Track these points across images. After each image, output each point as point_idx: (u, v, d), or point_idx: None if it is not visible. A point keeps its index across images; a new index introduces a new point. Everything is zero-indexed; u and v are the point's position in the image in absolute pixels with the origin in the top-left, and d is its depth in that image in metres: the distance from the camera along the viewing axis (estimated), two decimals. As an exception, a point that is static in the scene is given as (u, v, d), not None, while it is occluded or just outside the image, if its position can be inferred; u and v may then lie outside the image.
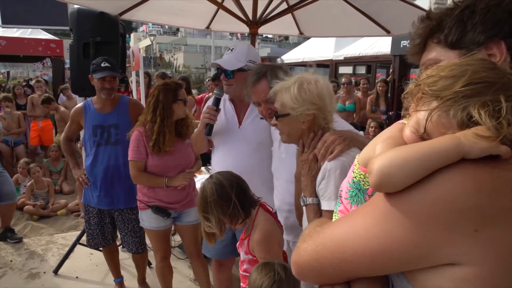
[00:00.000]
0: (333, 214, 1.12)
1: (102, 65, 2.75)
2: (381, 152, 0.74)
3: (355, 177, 1.00)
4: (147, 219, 2.63)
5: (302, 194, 1.50)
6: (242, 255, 1.80)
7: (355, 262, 0.73)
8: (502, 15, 0.77)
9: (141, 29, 36.48)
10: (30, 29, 9.69)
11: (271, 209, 1.87)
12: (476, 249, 0.64)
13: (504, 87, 0.67)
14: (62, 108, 6.83)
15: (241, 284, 1.85)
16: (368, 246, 0.71)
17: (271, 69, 1.89)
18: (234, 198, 1.66)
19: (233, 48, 2.28)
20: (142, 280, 3.22)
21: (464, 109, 0.66)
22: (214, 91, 2.29)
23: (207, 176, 3.72)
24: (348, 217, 0.81)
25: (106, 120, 2.85)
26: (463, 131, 0.67)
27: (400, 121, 0.85)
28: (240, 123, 2.29)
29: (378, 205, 0.72)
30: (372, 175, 0.71)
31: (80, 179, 2.93)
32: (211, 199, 1.66)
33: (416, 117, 0.73)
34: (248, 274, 1.69)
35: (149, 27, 34.50)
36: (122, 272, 3.32)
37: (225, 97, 2.36)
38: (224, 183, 1.69)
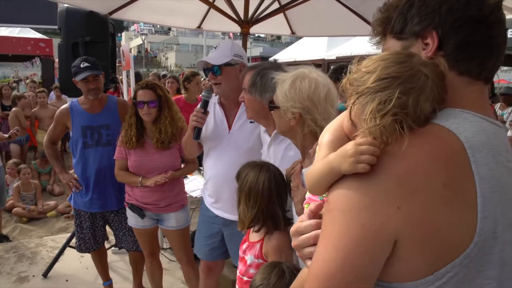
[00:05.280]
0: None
1: (82, 65, 2.67)
2: (320, 152, 0.89)
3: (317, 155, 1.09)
4: (129, 217, 2.71)
5: None
6: (250, 259, 1.71)
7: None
8: (434, 6, 0.83)
9: (132, 28, 36.23)
10: (19, 28, 9.57)
11: None
12: (401, 224, 0.72)
13: (407, 80, 0.74)
14: (51, 107, 6.76)
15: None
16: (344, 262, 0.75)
17: (262, 68, 1.87)
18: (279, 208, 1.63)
19: (217, 46, 2.27)
20: (139, 284, 3.14)
21: (370, 104, 0.75)
22: (202, 93, 2.25)
23: (199, 177, 3.69)
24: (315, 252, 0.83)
25: (96, 121, 2.80)
26: (335, 151, 0.80)
27: None
28: (229, 127, 2.25)
29: (328, 228, 0.79)
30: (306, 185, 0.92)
31: (70, 183, 2.83)
32: (264, 194, 1.61)
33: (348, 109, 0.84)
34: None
35: (141, 26, 34.26)
36: (112, 275, 3.28)
37: (214, 101, 2.31)
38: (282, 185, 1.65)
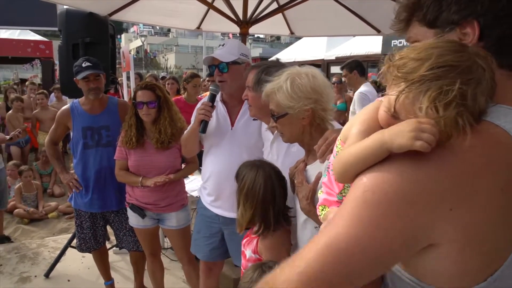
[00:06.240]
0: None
1: (83, 65, 2.70)
2: (349, 143, 0.82)
3: (338, 151, 1.04)
4: (130, 217, 2.73)
5: (317, 226, 1.46)
6: (249, 253, 1.74)
7: (352, 268, 0.70)
8: None
9: (132, 30, 36.24)
10: (19, 30, 9.60)
11: None
12: (450, 227, 0.68)
13: (466, 70, 0.69)
14: (52, 109, 6.81)
15: None
16: (362, 247, 0.70)
17: (266, 67, 1.90)
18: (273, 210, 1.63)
19: (224, 44, 2.26)
20: (140, 283, 3.14)
21: (425, 93, 0.69)
22: (210, 87, 2.25)
23: (199, 177, 3.71)
24: (327, 230, 0.76)
25: (96, 122, 2.82)
26: (392, 126, 0.73)
27: (380, 98, 0.87)
28: (232, 124, 2.25)
29: (358, 206, 0.72)
30: (334, 172, 0.84)
31: (71, 184, 2.84)
32: (260, 196, 1.61)
33: (388, 97, 0.77)
34: None
35: (140, 27, 34.28)
36: (113, 275, 3.30)
37: (217, 98, 2.31)
38: (276, 190, 1.64)
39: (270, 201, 1.62)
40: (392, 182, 0.70)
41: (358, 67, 4.66)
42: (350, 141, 0.83)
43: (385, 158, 0.73)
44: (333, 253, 0.70)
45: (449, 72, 0.68)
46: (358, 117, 0.87)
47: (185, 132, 2.34)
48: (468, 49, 0.72)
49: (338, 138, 1.00)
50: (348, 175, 0.79)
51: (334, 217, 0.76)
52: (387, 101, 0.77)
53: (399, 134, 0.69)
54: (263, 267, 1.44)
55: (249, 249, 1.74)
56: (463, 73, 0.68)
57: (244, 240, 1.80)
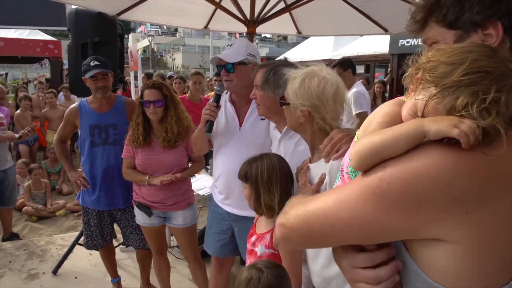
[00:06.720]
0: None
1: (92, 64, 2.72)
2: (372, 130, 0.80)
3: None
4: (137, 215, 2.75)
5: None
6: (261, 250, 1.72)
7: (346, 232, 0.78)
8: None
9: (139, 29, 36.40)
10: (28, 30, 9.70)
11: None
12: (463, 229, 0.68)
13: (500, 76, 0.67)
14: (60, 107, 6.88)
15: None
16: (360, 220, 0.74)
17: (274, 66, 1.91)
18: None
19: (232, 44, 2.29)
20: (146, 281, 3.17)
21: (458, 99, 0.67)
22: (215, 87, 2.28)
23: (206, 176, 3.72)
24: (341, 189, 0.81)
25: (103, 120, 2.84)
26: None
27: (400, 97, 0.86)
28: (240, 124, 2.28)
29: (371, 183, 0.74)
30: (352, 158, 0.80)
31: (78, 181, 2.87)
32: (281, 174, 1.66)
33: (415, 100, 0.74)
34: None
35: (147, 27, 34.42)
36: (120, 272, 3.33)
37: (225, 98, 2.34)
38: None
39: (289, 177, 1.67)
40: (411, 177, 0.69)
41: (351, 66, 4.64)
42: (372, 129, 0.80)
43: (408, 154, 0.71)
44: (334, 216, 0.77)
45: (484, 78, 0.67)
46: (378, 111, 0.85)
47: (195, 131, 2.38)
48: (499, 53, 0.71)
49: (355, 137, 0.97)
50: (368, 162, 0.76)
51: (347, 185, 0.80)
52: (413, 105, 0.75)
53: (437, 121, 0.68)
54: (251, 270, 1.45)
55: (262, 245, 1.73)
56: (497, 79, 0.67)
57: (253, 238, 1.79)
